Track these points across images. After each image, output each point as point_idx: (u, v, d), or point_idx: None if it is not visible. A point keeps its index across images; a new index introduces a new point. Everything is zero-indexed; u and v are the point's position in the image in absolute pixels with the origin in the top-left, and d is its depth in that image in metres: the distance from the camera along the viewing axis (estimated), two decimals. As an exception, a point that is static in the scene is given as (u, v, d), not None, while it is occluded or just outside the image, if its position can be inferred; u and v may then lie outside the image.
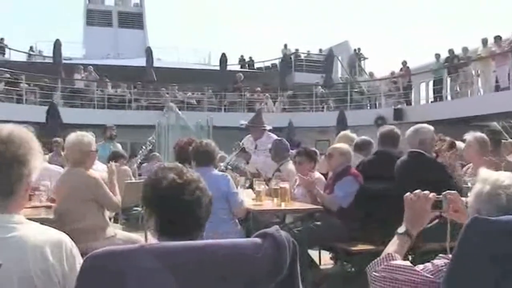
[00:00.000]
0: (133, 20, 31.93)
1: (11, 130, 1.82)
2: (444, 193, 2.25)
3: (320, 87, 23.72)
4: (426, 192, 2.24)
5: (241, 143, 7.54)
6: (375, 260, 2.12)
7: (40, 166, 1.91)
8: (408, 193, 2.26)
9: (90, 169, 4.67)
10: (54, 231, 1.84)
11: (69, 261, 1.78)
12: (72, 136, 4.64)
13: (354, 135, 7.06)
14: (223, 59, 25.08)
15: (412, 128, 5.26)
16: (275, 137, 7.77)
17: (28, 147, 1.82)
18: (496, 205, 1.92)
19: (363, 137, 6.66)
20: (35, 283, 1.69)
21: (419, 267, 1.97)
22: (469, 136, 5.77)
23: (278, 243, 1.47)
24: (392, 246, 2.21)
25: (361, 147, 6.31)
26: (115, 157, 8.49)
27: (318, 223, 5.33)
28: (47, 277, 1.72)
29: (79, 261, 1.77)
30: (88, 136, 4.70)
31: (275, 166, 6.81)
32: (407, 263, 2.03)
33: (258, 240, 1.50)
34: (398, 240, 2.22)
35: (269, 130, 8.02)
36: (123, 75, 22.31)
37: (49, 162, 7.16)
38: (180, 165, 1.85)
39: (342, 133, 7.50)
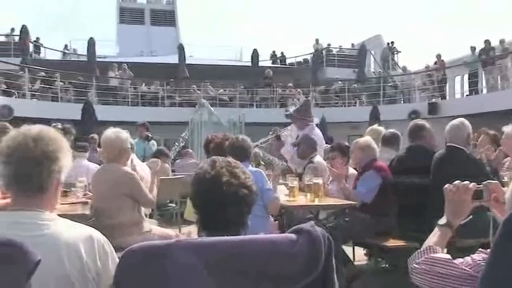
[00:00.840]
0: (165, 17, 32.18)
1: (41, 129, 1.89)
2: (485, 182, 2.21)
3: (343, 82, 23.52)
4: (466, 182, 2.21)
5: (279, 130, 7.47)
6: (416, 252, 2.10)
7: (70, 164, 1.95)
8: (447, 185, 2.23)
9: (125, 165, 4.73)
10: (85, 227, 1.87)
11: (102, 258, 1.80)
12: (109, 133, 4.71)
13: (382, 129, 6.95)
14: (255, 55, 25.11)
15: (450, 123, 5.17)
16: (318, 131, 7.63)
17: (57, 145, 1.88)
18: None
19: (390, 130, 6.56)
20: (72, 281, 1.72)
21: (458, 260, 1.95)
22: (508, 128, 5.63)
23: (313, 239, 1.47)
24: (432, 238, 2.19)
25: (389, 140, 6.21)
26: (159, 154, 8.58)
27: (351, 218, 5.30)
28: (83, 274, 1.74)
29: (113, 257, 1.81)
30: (124, 133, 4.76)
31: (301, 162, 6.78)
32: (448, 256, 2.00)
33: (293, 236, 1.49)
34: (439, 232, 2.19)
35: (315, 125, 7.89)
36: (156, 72, 22.51)
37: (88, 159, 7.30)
38: (225, 158, 1.88)
39: (370, 127, 7.35)
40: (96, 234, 1.84)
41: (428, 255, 2.05)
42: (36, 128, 1.88)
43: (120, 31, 31.05)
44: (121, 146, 4.65)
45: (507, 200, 2.03)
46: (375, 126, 7.35)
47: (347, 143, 6.81)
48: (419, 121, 5.81)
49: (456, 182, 2.23)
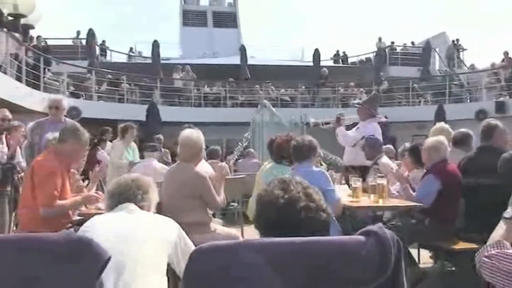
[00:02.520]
0: (227, 19, 32.49)
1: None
2: None
3: (407, 80, 23.03)
4: None
5: (342, 116, 7.58)
6: (484, 246, 2.04)
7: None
8: None
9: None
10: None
11: (183, 250, 2.55)
12: (189, 133, 4.79)
13: (447, 127, 6.74)
14: (316, 55, 24.99)
15: None
16: (375, 126, 7.57)
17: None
18: None
19: (462, 129, 6.34)
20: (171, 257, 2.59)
21: None
22: None
23: (382, 241, 1.44)
24: (499, 231, 2.12)
25: (459, 141, 6.03)
26: (214, 155, 8.70)
27: (416, 220, 5.20)
28: (176, 253, 2.60)
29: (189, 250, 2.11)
30: (200, 134, 4.83)
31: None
32: None
33: (361, 237, 1.48)
34: (506, 225, 2.12)
35: (380, 122, 7.80)
36: (218, 73, 22.77)
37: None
38: (296, 179, 1.81)
39: (436, 126, 7.04)
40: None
41: (499, 249, 1.97)
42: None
43: (184, 33, 31.57)
44: (201, 146, 4.75)
45: None
46: (441, 124, 7.07)
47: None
48: (492, 121, 5.59)
49: None
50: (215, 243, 1.44)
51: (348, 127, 7.75)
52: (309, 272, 1.42)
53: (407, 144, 7.87)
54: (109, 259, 1.43)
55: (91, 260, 1.40)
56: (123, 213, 2.73)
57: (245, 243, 1.41)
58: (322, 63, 25.23)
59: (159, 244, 2.57)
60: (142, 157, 8.46)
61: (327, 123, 7.85)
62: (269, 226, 1.68)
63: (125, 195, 2.85)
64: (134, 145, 8.78)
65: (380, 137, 7.41)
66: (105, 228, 2.53)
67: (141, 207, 2.85)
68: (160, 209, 4.52)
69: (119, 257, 2.27)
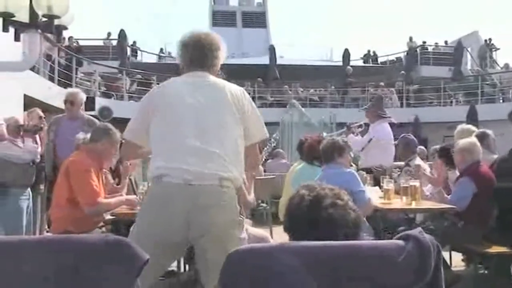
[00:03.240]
0: (257, 19, 32.54)
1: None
2: None
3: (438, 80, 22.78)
4: None
5: (349, 124, 7.81)
6: None
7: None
8: None
9: None
10: None
11: None
12: None
13: (474, 128, 6.57)
14: (346, 54, 24.88)
15: None
16: (385, 126, 7.67)
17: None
18: None
19: (481, 129, 6.25)
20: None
21: None
22: None
23: (421, 246, 1.42)
24: None
25: (480, 140, 5.91)
26: None
27: (448, 223, 5.14)
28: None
29: None
30: None
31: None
32: None
33: (401, 242, 1.46)
34: None
35: (391, 123, 7.87)
36: (247, 73, 22.81)
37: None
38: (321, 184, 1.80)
39: (461, 127, 6.76)
40: None
41: None
42: None
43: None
44: None
45: None
46: (466, 125, 6.88)
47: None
48: None
49: None
50: (252, 245, 1.44)
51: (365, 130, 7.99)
52: (347, 275, 1.41)
53: (438, 146, 7.80)
54: (147, 261, 1.43)
55: (129, 261, 1.41)
56: None
57: (281, 246, 1.41)
58: (351, 63, 25.08)
59: None
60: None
61: (340, 134, 8.04)
62: (299, 227, 1.67)
63: None
64: None
65: (391, 136, 7.47)
66: None
67: None
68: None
69: None
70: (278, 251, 1.38)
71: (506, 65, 23.26)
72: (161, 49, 30.20)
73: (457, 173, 5.57)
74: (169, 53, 30.08)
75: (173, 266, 5.04)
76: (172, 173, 2.64)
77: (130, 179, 5.58)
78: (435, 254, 1.42)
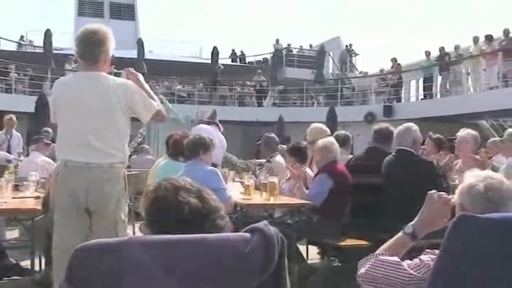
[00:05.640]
0: (125, 11, 31.67)
1: None
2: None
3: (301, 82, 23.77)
4: (448, 196, 2.13)
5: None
6: (366, 257, 2.11)
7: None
8: (433, 191, 2.14)
9: None
10: None
11: None
12: None
13: (322, 127, 6.93)
14: (215, 52, 25.05)
15: (401, 127, 5.29)
16: (206, 127, 7.72)
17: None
18: (478, 197, 1.95)
19: (342, 131, 6.65)
20: None
21: (407, 262, 1.98)
22: (464, 132, 5.82)
23: (266, 238, 1.48)
24: (392, 245, 2.15)
25: (342, 141, 6.28)
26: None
27: (305, 218, 5.35)
28: None
29: None
30: None
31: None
32: (395, 259, 2.02)
33: (247, 234, 1.50)
34: (401, 240, 2.14)
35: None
36: (114, 66, 22.17)
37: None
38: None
39: (314, 126, 7.02)
40: None
41: (375, 258, 2.06)
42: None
43: (79, 24, 30.28)
44: None
45: (457, 202, 2.09)
46: (318, 124, 7.14)
47: (304, 143, 6.83)
48: (386, 125, 5.86)
49: (442, 193, 2.15)
50: (100, 240, 1.41)
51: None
52: (196, 268, 1.42)
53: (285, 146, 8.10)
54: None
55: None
56: None
57: (131, 240, 1.39)
58: (220, 61, 25.30)
59: None
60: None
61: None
62: (158, 219, 1.66)
63: None
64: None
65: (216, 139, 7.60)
66: None
67: None
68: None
69: None
70: (128, 246, 1.37)
71: (363, 72, 24.85)
72: (22, 37, 28.44)
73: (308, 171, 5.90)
74: (31, 41, 28.44)
75: (28, 264, 4.82)
76: (74, 159, 3.42)
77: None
78: (279, 246, 1.49)
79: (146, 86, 3.78)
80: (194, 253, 1.42)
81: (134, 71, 3.80)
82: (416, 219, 2.15)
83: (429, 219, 2.12)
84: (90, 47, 3.52)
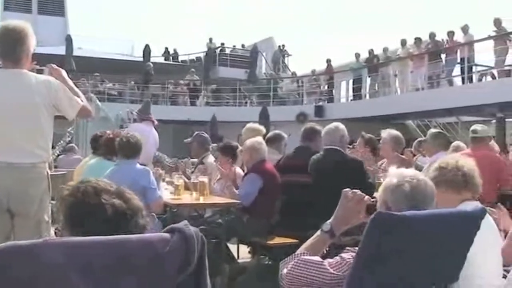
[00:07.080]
0: (54, 6, 30.73)
1: None
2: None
3: (234, 82, 23.89)
4: (361, 194, 2.18)
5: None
6: (288, 258, 2.13)
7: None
8: (348, 189, 2.19)
9: None
10: None
11: None
12: None
13: (257, 126, 7.00)
14: (147, 50, 24.73)
15: (329, 126, 5.38)
16: (140, 126, 7.68)
17: None
18: (402, 195, 2.02)
19: (275, 131, 6.72)
20: None
21: (328, 261, 2.01)
22: (386, 133, 6.01)
23: (186, 238, 1.46)
24: (311, 243, 2.19)
25: (273, 140, 6.34)
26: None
27: (236, 217, 5.37)
28: None
29: None
30: None
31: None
32: (316, 258, 2.05)
33: (166, 235, 1.49)
34: (320, 238, 2.18)
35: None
36: (41, 63, 21.45)
37: None
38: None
39: (249, 126, 7.06)
40: None
41: (297, 258, 2.09)
42: None
43: (4, 19, 29.19)
44: None
45: (378, 198, 2.15)
46: (253, 124, 7.22)
47: (236, 143, 6.84)
48: (316, 125, 5.94)
49: (356, 190, 2.19)
50: (13, 243, 1.35)
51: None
52: (114, 270, 1.39)
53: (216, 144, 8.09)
54: None
55: None
56: None
57: (45, 243, 1.35)
58: (152, 60, 25.00)
59: None
60: None
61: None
62: (82, 227, 1.61)
63: None
64: None
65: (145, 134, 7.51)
66: None
67: None
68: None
69: None
70: (41, 248, 1.32)
71: (294, 73, 25.21)
72: None
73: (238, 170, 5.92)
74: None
75: None
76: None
77: None
78: (199, 246, 1.48)
79: (70, 82, 3.70)
80: (111, 254, 1.39)
81: (57, 67, 3.69)
82: (333, 217, 2.19)
83: (344, 216, 2.17)
84: (10, 46, 3.43)
